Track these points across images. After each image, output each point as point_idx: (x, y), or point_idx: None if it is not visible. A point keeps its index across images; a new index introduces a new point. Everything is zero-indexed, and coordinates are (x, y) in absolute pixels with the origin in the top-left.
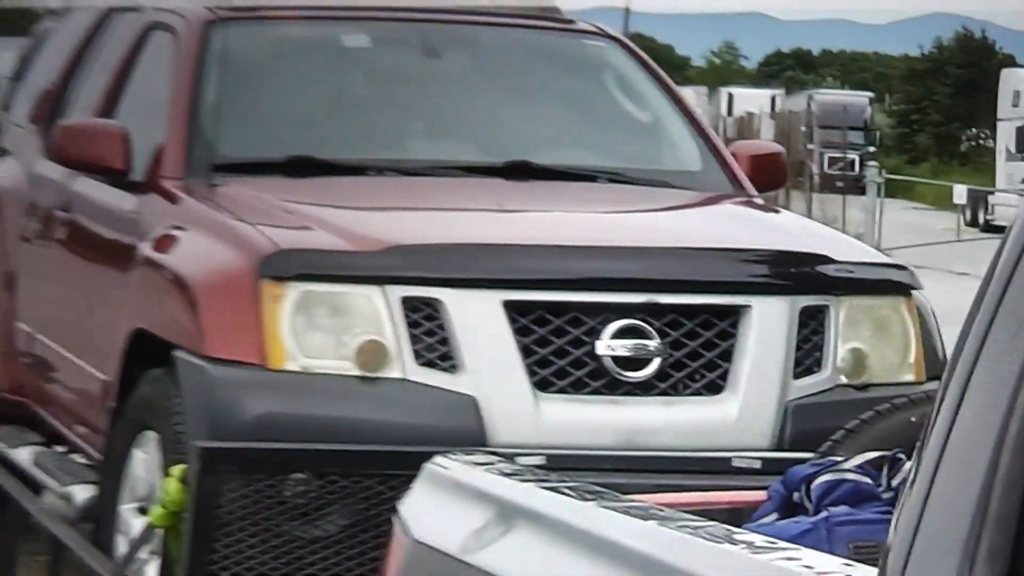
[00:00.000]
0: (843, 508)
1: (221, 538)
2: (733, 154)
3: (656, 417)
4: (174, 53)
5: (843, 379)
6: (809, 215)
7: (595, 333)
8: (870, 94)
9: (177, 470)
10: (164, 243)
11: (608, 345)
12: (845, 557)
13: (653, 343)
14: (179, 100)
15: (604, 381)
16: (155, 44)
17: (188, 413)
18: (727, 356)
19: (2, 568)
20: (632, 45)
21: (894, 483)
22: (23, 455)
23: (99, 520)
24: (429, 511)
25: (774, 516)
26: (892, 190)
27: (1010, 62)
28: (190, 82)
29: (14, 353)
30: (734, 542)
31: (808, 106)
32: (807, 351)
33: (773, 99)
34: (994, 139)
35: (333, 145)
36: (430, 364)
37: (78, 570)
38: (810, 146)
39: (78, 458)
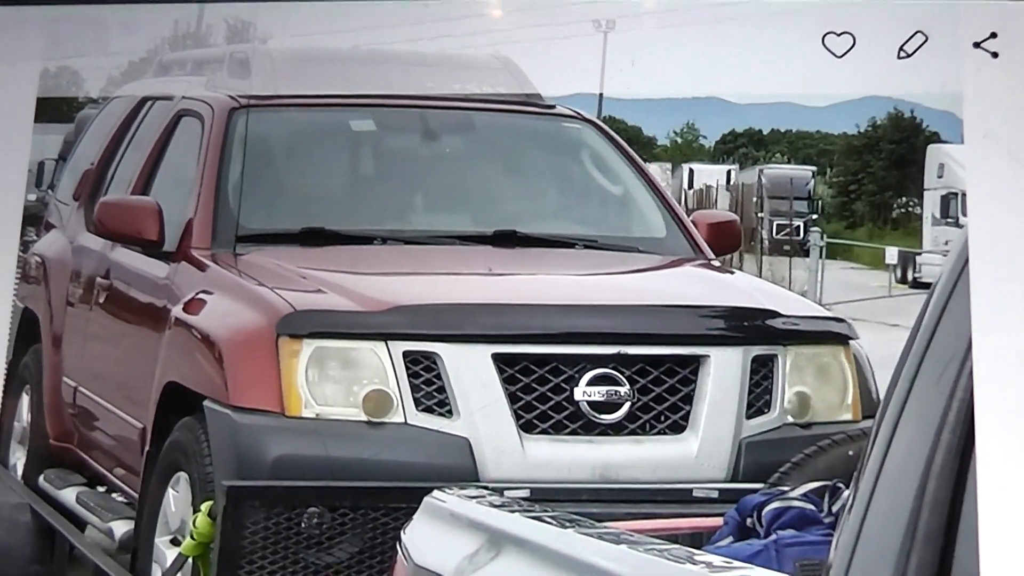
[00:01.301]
0: (790, 531)
1: (245, 565)
2: (693, 222)
3: (627, 454)
4: (202, 137)
5: (790, 418)
6: (760, 275)
7: (573, 381)
8: (813, 168)
9: (206, 506)
10: (194, 306)
11: (584, 391)
12: (793, 574)
13: (623, 389)
14: (206, 179)
15: (581, 423)
16: (185, 129)
17: (215, 455)
18: (688, 400)
19: None
20: (605, 127)
21: (834, 509)
22: (68, 495)
23: (136, 551)
24: (428, 539)
25: (730, 539)
26: (832, 252)
27: (935, 139)
28: (216, 163)
29: (61, 404)
30: (695, 562)
31: (759, 179)
32: (758, 394)
33: (728, 173)
34: (921, 207)
35: (342, 217)
36: (428, 410)
37: None
38: (760, 214)
39: (117, 497)
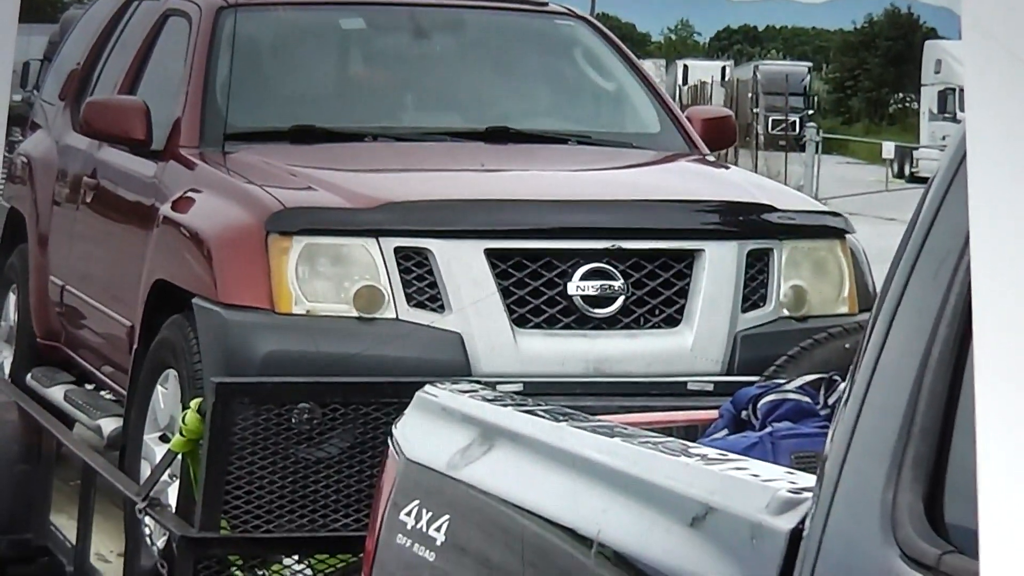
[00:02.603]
0: (786, 424)
1: (235, 461)
2: (688, 118)
3: (620, 348)
4: (189, 36)
5: (785, 312)
6: (755, 170)
7: (566, 275)
8: (809, 64)
9: (195, 403)
10: (182, 204)
11: (578, 286)
12: (788, 466)
13: (617, 283)
14: (194, 78)
15: (574, 317)
16: (172, 29)
17: (205, 352)
18: (683, 294)
19: (40, 491)
20: (598, 24)
21: (830, 401)
22: (56, 393)
23: (125, 448)
24: (420, 433)
25: (725, 432)
26: (828, 147)
27: (933, 35)
28: (204, 61)
29: (48, 303)
30: (690, 455)
31: (754, 75)
32: (754, 288)
33: (723, 70)
34: (919, 102)
35: (332, 115)
36: (420, 305)
37: (107, 492)
38: (756, 110)
39: (106, 394)
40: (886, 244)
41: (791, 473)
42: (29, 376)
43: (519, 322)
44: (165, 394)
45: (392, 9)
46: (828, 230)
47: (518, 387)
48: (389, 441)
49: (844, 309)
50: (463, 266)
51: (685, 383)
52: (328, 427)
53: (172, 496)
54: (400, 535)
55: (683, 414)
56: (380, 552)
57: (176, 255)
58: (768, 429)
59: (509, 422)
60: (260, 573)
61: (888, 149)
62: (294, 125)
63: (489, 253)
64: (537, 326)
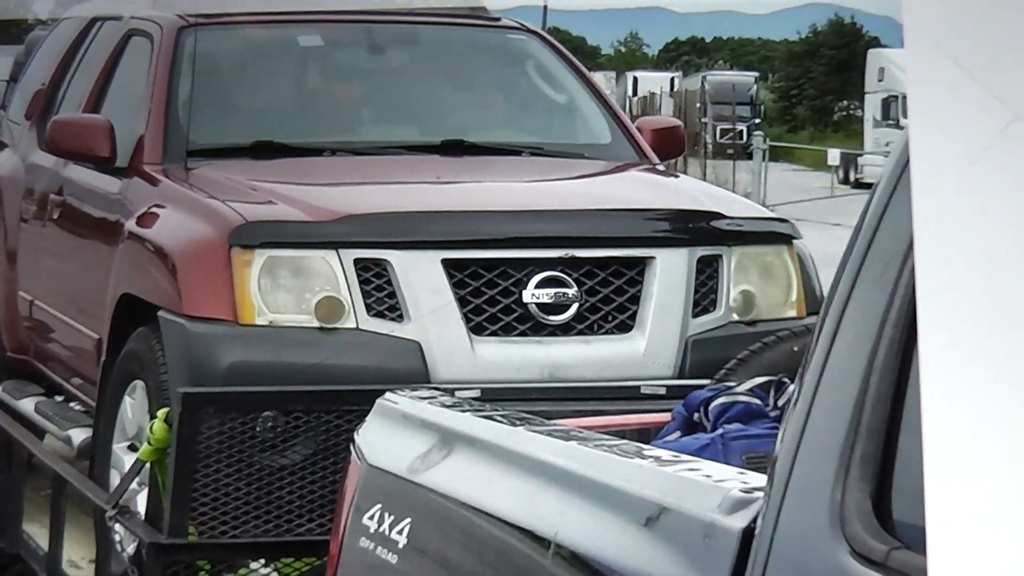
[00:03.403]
0: (736, 425)
1: (201, 469)
2: (638, 128)
3: (575, 354)
4: (151, 55)
5: (735, 316)
6: (704, 178)
7: (521, 284)
8: (755, 74)
9: (162, 413)
10: (146, 219)
11: (533, 294)
12: (739, 467)
13: (571, 291)
14: (157, 95)
15: (530, 324)
16: (134, 48)
17: (171, 363)
18: (635, 300)
19: (12, 501)
20: (550, 38)
21: (780, 403)
22: (27, 405)
23: (94, 458)
24: (381, 439)
25: (677, 434)
26: (775, 155)
27: (876, 43)
28: (166, 80)
29: (17, 318)
30: (644, 457)
31: (702, 86)
32: (704, 293)
33: (672, 81)
34: (862, 109)
35: (292, 130)
36: (380, 315)
37: (78, 501)
38: (704, 119)
39: (75, 406)
40: (832, 249)
41: (742, 473)
42: (0, 388)
43: (476, 330)
44: (133, 404)
45: (349, 26)
46: (776, 236)
47: (476, 393)
48: (351, 447)
49: (792, 313)
50: (421, 276)
51: (638, 387)
52: (292, 435)
53: (141, 504)
54: (363, 538)
55: (636, 417)
56: (344, 555)
57: (141, 269)
58: (719, 431)
59: (467, 427)
60: None
61: (833, 156)
62: (255, 141)
63: (446, 263)
64: (494, 334)
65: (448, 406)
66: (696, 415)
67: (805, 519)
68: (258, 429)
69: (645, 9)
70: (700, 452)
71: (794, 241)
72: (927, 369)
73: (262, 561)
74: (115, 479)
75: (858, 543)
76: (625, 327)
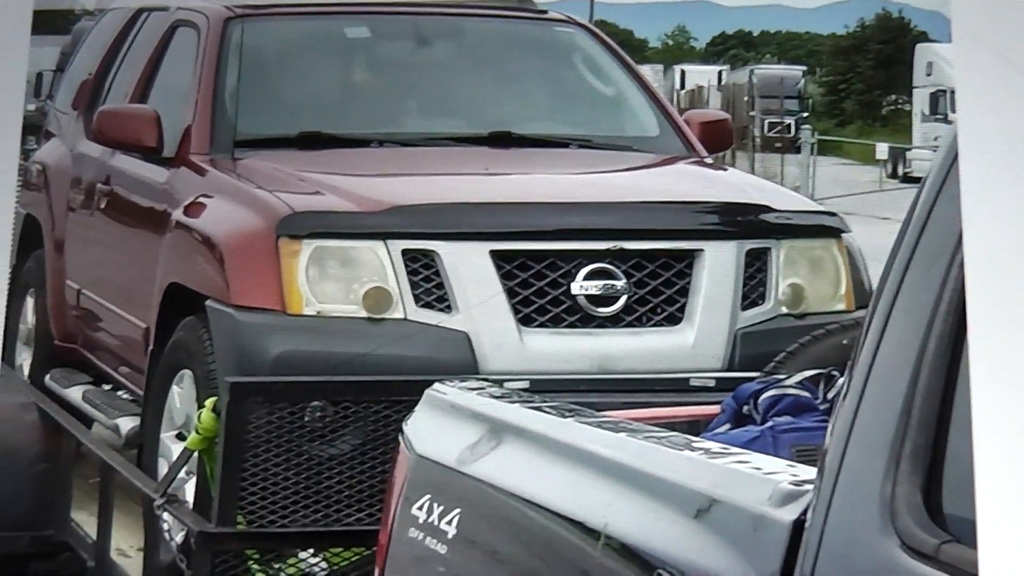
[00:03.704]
0: (786, 418)
1: (249, 458)
2: (686, 121)
3: (624, 345)
4: (198, 46)
5: (784, 310)
6: (752, 172)
7: (570, 276)
8: (803, 68)
9: (210, 402)
10: (194, 209)
11: (581, 285)
12: (789, 459)
13: (620, 283)
14: (204, 86)
15: (578, 316)
16: (181, 39)
17: (218, 353)
18: (684, 292)
19: (60, 489)
20: (597, 31)
21: (829, 396)
22: (75, 393)
23: (142, 447)
24: (430, 430)
25: (727, 427)
26: (823, 149)
27: (923, 38)
28: (213, 70)
29: (64, 306)
30: (693, 449)
31: (750, 79)
32: (753, 286)
33: (720, 74)
34: (911, 104)
35: (339, 121)
36: (428, 306)
37: (126, 489)
38: (752, 113)
39: (123, 394)
40: (881, 243)
41: (792, 466)
42: (48, 377)
43: (524, 321)
44: (180, 393)
45: (396, 18)
46: (824, 229)
47: (525, 384)
48: (400, 438)
49: (841, 306)
50: (469, 267)
51: (687, 379)
52: (340, 425)
53: (189, 492)
54: (412, 528)
55: (686, 409)
56: (393, 545)
57: (189, 259)
58: (769, 423)
59: (517, 418)
60: (276, 567)
61: (882, 150)
62: (302, 132)
63: (494, 254)
64: (542, 325)
65: (497, 397)
66: (746, 407)
67: (855, 512)
68: (306, 419)
69: (692, 2)
70: (750, 444)
71: (843, 234)
72: (977, 363)
73: (311, 551)
74: (163, 468)
75: (908, 536)
76: (674, 319)
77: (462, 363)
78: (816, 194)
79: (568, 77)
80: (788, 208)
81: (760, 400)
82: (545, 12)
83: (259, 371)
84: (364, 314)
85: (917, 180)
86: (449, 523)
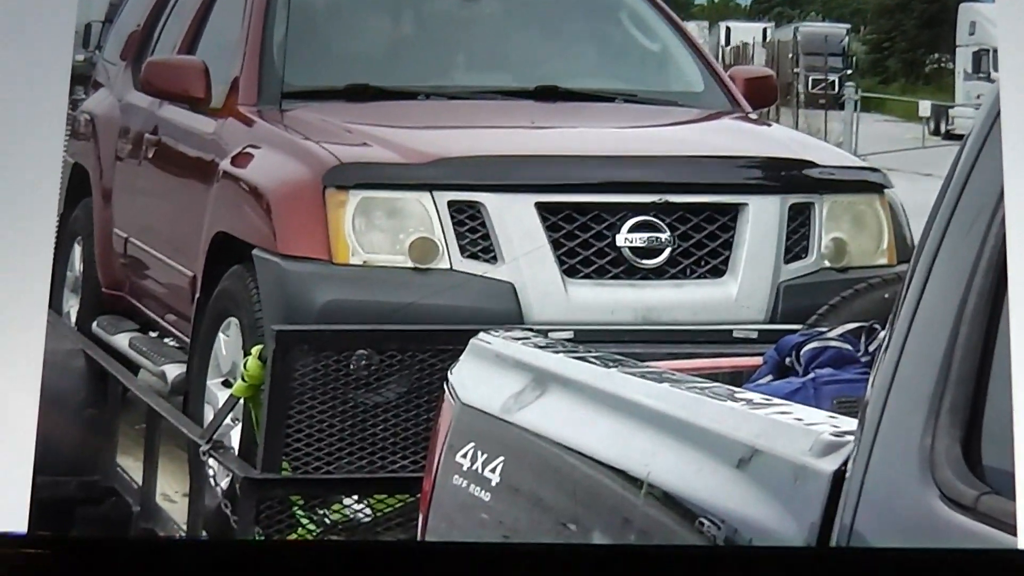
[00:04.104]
0: (828, 370)
1: (295, 406)
2: (731, 77)
3: (668, 297)
4: None
5: (826, 263)
6: (796, 128)
7: (615, 228)
8: (847, 26)
9: (256, 350)
10: (241, 159)
11: (626, 238)
12: (830, 411)
13: (664, 235)
14: (252, 38)
15: (623, 268)
16: None
17: (265, 301)
18: (727, 245)
19: (107, 435)
20: None
21: (871, 349)
22: (121, 340)
23: (188, 393)
24: (474, 379)
25: (769, 378)
26: (867, 106)
27: None
28: (261, 22)
29: (112, 254)
30: (736, 399)
31: (794, 37)
32: (796, 240)
33: (764, 31)
34: (954, 63)
35: (386, 74)
36: (473, 256)
37: (171, 435)
38: (796, 70)
39: (169, 341)
40: (923, 199)
41: (833, 417)
42: (95, 324)
43: (569, 272)
44: (227, 341)
45: None
46: (867, 185)
47: (569, 335)
48: (445, 386)
49: (883, 260)
50: (515, 219)
51: (730, 331)
52: (385, 373)
53: (235, 439)
54: (456, 476)
55: (728, 360)
56: (437, 492)
57: (236, 208)
58: (811, 375)
59: (561, 368)
60: (321, 513)
61: (924, 107)
62: (349, 84)
63: (540, 206)
64: (587, 276)
65: (541, 347)
66: (788, 359)
67: (895, 463)
68: (352, 367)
69: None
70: (792, 396)
71: (885, 190)
72: (1016, 317)
73: (355, 497)
74: (209, 414)
75: (948, 487)
76: (718, 272)
77: (507, 313)
78: (859, 150)
79: (614, 33)
80: (831, 163)
81: (802, 352)
82: None
83: (305, 319)
84: (410, 264)
85: (959, 137)
86: (493, 471)
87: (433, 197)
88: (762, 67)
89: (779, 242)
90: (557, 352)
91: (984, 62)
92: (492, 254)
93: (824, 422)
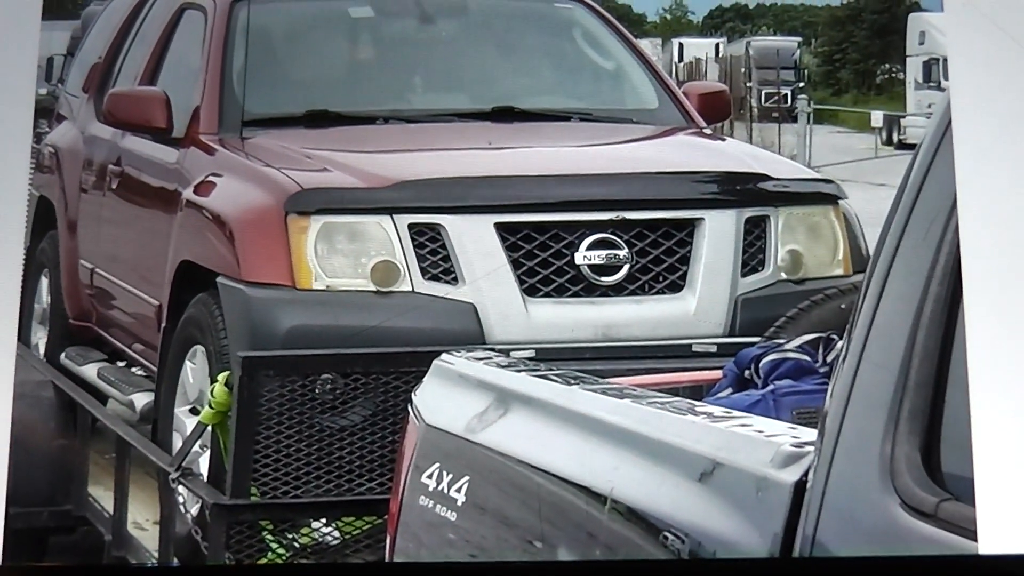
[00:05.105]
0: (787, 381)
1: (262, 431)
2: (684, 93)
3: (627, 313)
4: (205, 28)
5: (783, 275)
6: (750, 141)
7: (573, 246)
8: (799, 39)
9: (223, 376)
10: (204, 188)
11: (584, 256)
12: (790, 422)
13: (622, 252)
14: (211, 67)
15: (582, 286)
16: (188, 21)
17: (230, 328)
18: (685, 260)
19: (77, 465)
20: (596, 6)
21: (829, 359)
22: (90, 370)
23: (157, 422)
24: (438, 399)
25: (729, 391)
26: (819, 118)
27: (916, 7)
28: (220, 52)
29: (78, 285)
30: (696, 413)
31: (747, 51)
32: (752, 253)
33: (717, 46)
34: (904, 72)
35: (344, 99)
36: (435, 278)
37: (141, 464)
38: (749, 84)
39: (137, 371)
40: (877, 208)
41: (793, 428)
42: (63, 355)
43: (529, 291)
44: (194, 369)
45: None
46: (822, 196)
47: (530, 353)
48: (409, 408)
49: (839, 271)
50: (474, 240)
51: (690, 345)
52: (350, 396)
53: (204, 466)
54: (423, 496)
55: (688, 375)
56: (404, 513)
57: (200, 236)
58: (770, 387)
59: (523, 387)
60: (290, 537)
61: (877, 118)
62: (308, 110)
63: (499, 226)
64: (547, 295)
65: (503, 366)
66: (747, 372)
67: (856, 472)
68: (317, 391)
69: None
70: (751, 408)
71: (840, 201)
72: (973, 324)
73: (323, 520)
74: (177, 442)
75: (908, 495)
76: (676, 287)
77: (469, 334)
78: (813, 162)
79: (569, 52)
80: (786, 176)
81: (761, 364)
82: None
83: (270, 345)
84: (372, 287)
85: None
86: (458, 490)
87: (394, 220)
88: (715, 82)
89: (736, 256)
90: (519, 371)
91: (934, 71)
92: (453, 275)
93: (784, 433)
